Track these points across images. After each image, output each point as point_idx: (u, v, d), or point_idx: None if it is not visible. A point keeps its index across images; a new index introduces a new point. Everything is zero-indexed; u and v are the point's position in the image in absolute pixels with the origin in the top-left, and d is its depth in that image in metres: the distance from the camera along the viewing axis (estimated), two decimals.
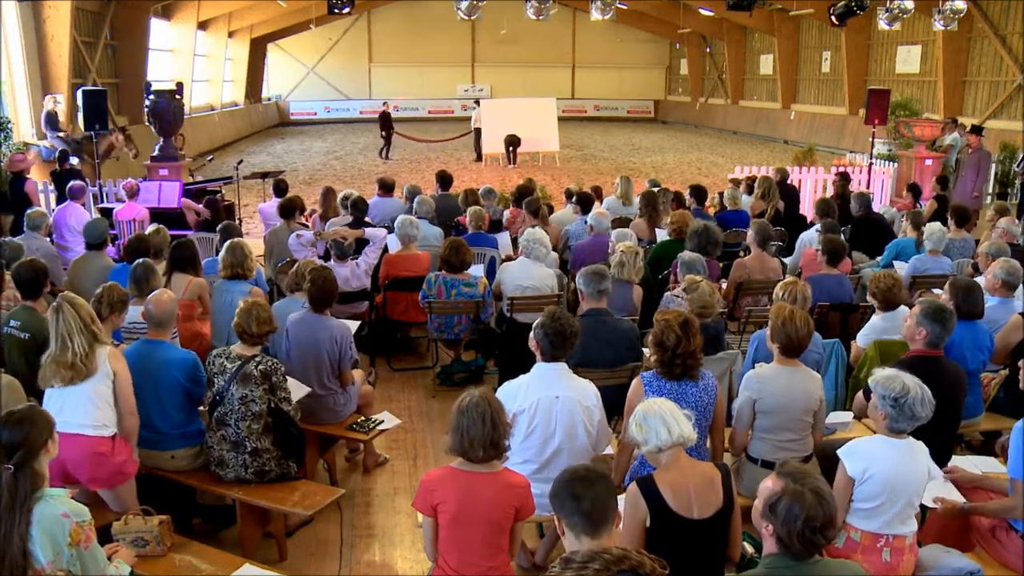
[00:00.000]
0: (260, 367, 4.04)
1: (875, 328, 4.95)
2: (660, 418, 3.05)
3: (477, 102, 23.13)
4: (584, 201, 8.31)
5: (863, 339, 4.95)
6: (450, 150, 23.77)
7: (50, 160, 12.70)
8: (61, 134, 13.17)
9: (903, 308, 4.99)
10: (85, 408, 3.74)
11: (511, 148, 20.61)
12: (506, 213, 8.93)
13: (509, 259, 7.13)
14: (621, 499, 2.91)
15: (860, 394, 4.26)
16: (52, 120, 13.28)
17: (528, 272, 6.24)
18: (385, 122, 22.27)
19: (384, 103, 24.23)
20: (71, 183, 8.87)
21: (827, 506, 2.44)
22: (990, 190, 14.66)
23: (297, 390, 4.47)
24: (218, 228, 6.82)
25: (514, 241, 7.94)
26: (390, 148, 22.26)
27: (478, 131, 21.58)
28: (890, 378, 3.24)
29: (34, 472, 2.72)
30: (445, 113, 34.22)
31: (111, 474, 3.82)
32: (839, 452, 3.28)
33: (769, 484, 2.54)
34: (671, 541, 2.97)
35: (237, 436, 4.02)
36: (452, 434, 3.09)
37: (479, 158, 21.36)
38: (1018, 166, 12.98)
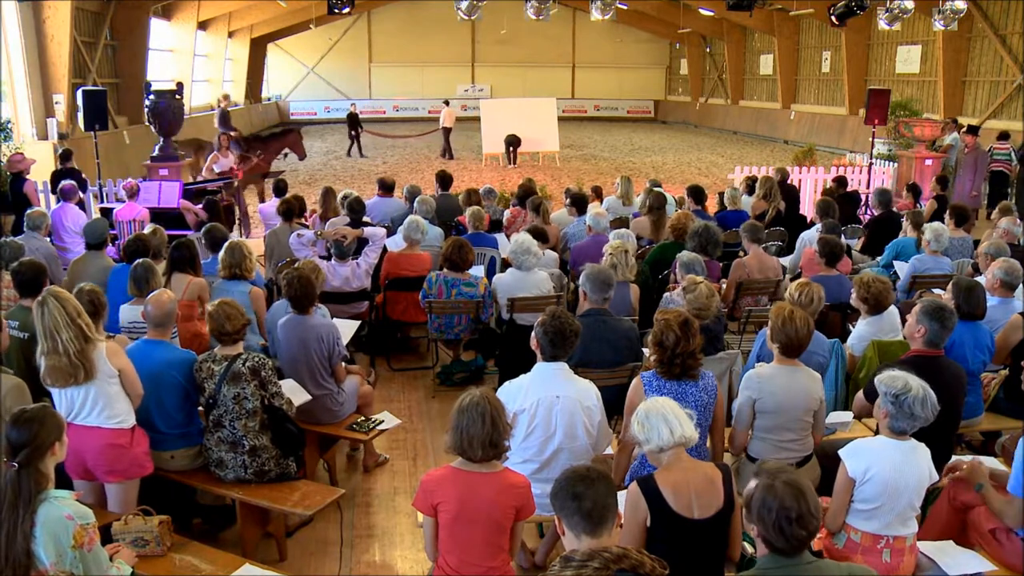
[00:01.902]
0: (248, 364, 4.04)
1: (863, 335, 4.91)
2: (662, 418, 3.05)
3: (447, 102, 24.22)
4: (579, 202, 8.29)
5: (857, 347, 4.93)
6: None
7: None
8: (233, 133, 13.31)
9: (892, 309, 4.99)
10: (100, 407, 3.78)
11: (511, 148, 20.63)
12: (507, 213, 8.93)
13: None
14: (622, 497, 2.92)
15: (860, 394, 4.25)
16: (225, 118, 13.38)
17: (521, 284, 6.16)
18: (352, 122, 23.04)
19: (352, 104, 25.37)
20: (62, 184, 8.86)
21: (802, 497, 2.40)
22: (987, 191, 14.66)
23: (298, 395, 4.47)
24: (202, 231, 6.69)
25: None
26: (359, 145, 23.05)
27: (446, 130, 22.36)
28: (895, 376, 3.25)
29: (39, 472, 2.73)
30: None
31: (129, 465, 3.86)
32: (840, 452, 3.29)
33: (750, 485, 2.54)
34: (671, 541, 2.98)
35: (234, 436, 4.03)
36: (452, 432, 3.10)
37: (443, 155, 22.13)
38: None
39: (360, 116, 23.49)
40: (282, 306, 5.32)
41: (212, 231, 6.47)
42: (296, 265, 5.52)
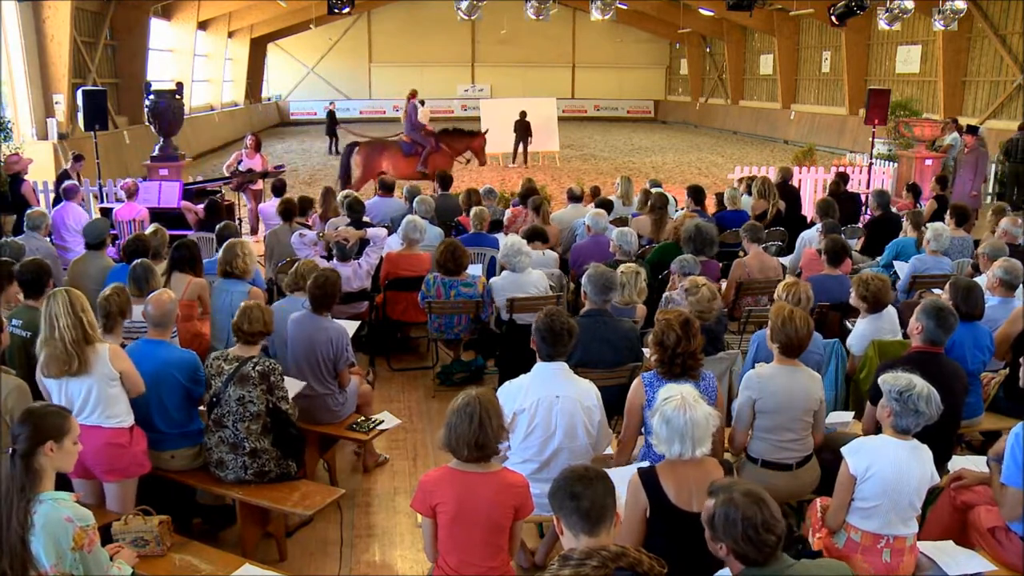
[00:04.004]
0: (258, 368, 4.04)
1: (864, 334, 4.91)
2: (680, 435, 3.01)
3: (422, 102, 24.04)
4: (605, 204, 8.30)
5: (857, 346, 4.93)
6: None
7: (411, 155, 13.42)
8: (423, 131, 13.45)
9: (890, 309, 4.99)
10: (102, 407, 3.81)
11: (520, 143, 20.53)
12: (507, 212, 8.93)
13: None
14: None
15: (866, 417, 4.21)
16: (413, 116, 13.56)
17: (515, 284, 6.17)
18: (332, 121, 23.87)
19: (331, 103, 26.33)
20: (65, 183, 8.87)
21: (763, 503, 2.42)
22: (990, 190, 14.67)
23: (293, 386, 4.48)
24: (215, 229, 6.80)
25: None
26: (336, 143, 23.62)
27: None
28: (898, 375, 3.26)
29: (31, 468, 2.74)
30: (445, 113, 34.16)
31: (128, 464, 3.88)
32: (843, 450, 3.29)
33: (707, 504, 2.53)
34: (670, 534, 3.00)
35: (235, 437, 4.02)
36: (443, 429, 3.12)
37: None
38: (1003, 153, 13.17)
39: (338, 115, 24.56)
40: (281, 307, 5.32)
41: (222, 230, 6.53)
42: (297, 264, 5.53)
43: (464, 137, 14.57)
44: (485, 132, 15.20)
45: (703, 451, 3.04)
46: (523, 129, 20.45)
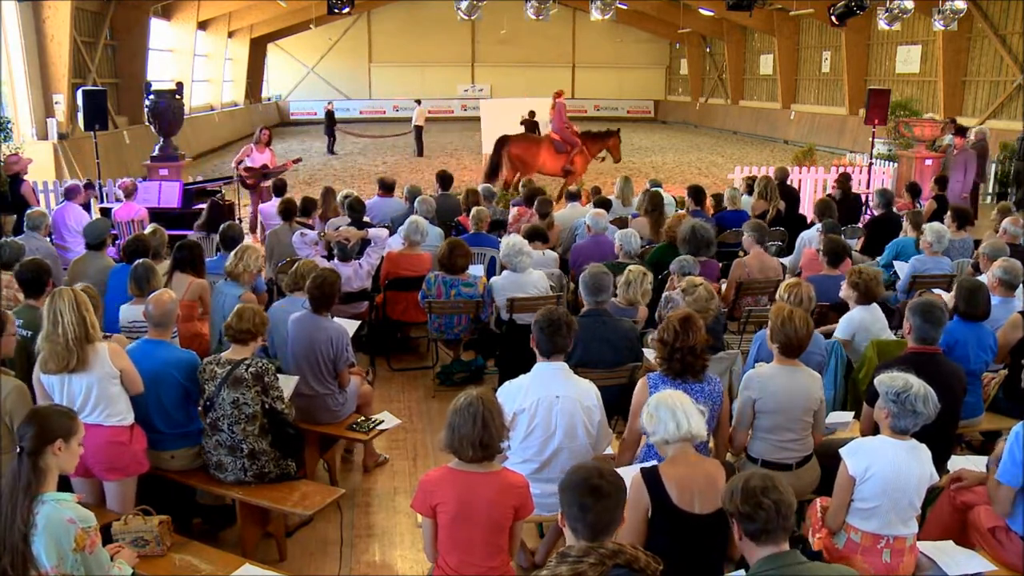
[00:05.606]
0: (251, 369, 4.03)
1: (852, 319, 4.93)
2: (671, 411, 3.09)
3: (418, 101, 25.63)
4: (603, 204, 8.32)
5: (843, 330, 4.93)
6: (449, 150, 23.83)
7: (562, 153, 13.91)
8: (571, 130, 14.07)
9: (875, 306, 5.01)
10: (103, 406, 3.83)
11: None
12: (512, 211, 8.94)
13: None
14: None
15: (863, 416, 4.21)
16: (563, 115, 14.20)
17: (516, 284, 6.17)
18: (330, 120, 24.28)
19: (330, 102, 26.54)
20: (67, 183, 8.86)
21: (767, 478, 2.54)
22: (989, 190, 14.67)
23: (288, 382, 4.48)
24: (221, 229, 6.78)
25: None
26: (334, 143, 24.27)
27: (418, 128, 23.47)
28: (894, 376, 3.26)
29: (38, 466, 2.76)
30: (445, 113, 34.20)
31: (129, 462, 3.90)
32: (841, 451, 3.30)
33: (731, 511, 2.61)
34: (672, 534, 3.01)
35: (233, 440, 4.02)
36: (445, 430, 3.12)
37: (420, 153, 23.05)
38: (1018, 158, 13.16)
39: (336, 115, 24.89)
40: (280, 307, 5.32)
41: (227, 230, 6.53)
42: (297, 264, 5.53)
43: (600, 138, 15.01)
44: (617, 131, 15.54)
45: (698, 427, 3.09)
46: (530, 129, 20.40)
